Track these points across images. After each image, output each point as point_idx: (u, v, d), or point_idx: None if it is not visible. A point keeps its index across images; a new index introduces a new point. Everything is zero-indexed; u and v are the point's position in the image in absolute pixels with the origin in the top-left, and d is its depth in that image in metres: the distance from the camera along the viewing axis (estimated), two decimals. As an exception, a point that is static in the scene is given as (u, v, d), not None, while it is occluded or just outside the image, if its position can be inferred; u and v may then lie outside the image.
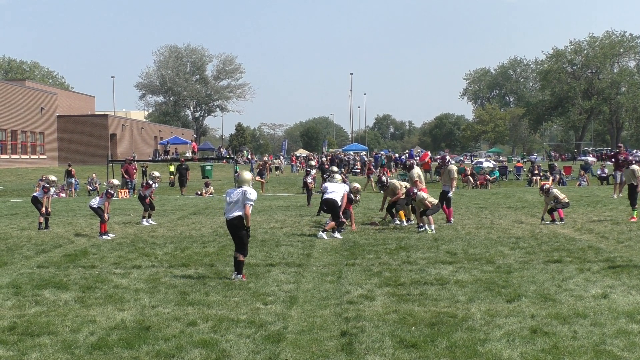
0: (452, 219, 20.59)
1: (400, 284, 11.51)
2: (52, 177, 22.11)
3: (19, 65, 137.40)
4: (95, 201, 19.53)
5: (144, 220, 22.27)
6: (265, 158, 61.01)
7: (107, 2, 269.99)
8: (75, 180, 45.80)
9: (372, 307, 9.88)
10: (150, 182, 22.87)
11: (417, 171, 20.45)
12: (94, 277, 12.69)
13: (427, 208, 18.71)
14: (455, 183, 20.69)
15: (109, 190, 19.41)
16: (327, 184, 19.56)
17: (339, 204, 18.29)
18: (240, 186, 12.42)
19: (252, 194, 12.29)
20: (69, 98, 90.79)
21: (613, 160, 33.15)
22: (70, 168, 45.98)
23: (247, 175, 12.71)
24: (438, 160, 26.01)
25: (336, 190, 18.68)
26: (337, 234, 17.90)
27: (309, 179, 29.75)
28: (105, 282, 12.17)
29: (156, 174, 23.43)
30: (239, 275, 12.15)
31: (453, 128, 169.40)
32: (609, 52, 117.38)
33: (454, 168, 20.88)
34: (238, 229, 12.25)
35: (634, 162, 21.71)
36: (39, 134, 73.67)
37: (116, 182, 20.49)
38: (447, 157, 22.29)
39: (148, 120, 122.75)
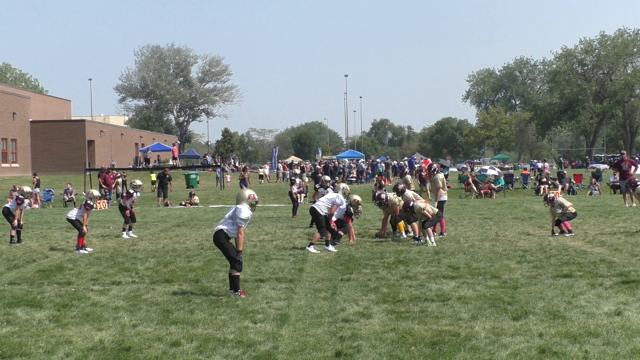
0: (444, 231, 20.65)
1: (399, 300, 11.52)
2: (27, 188, 22.08)
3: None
4: (73, 213, 19.51)
5: (124, 232, 22.25)
6: (239, 164, 60.98)
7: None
8: (47, 190, 45.79)
9: (369, 325, 9.89)
10: (132, 191, 22.84)
11: (410, 193, 20.42)
12: (70, 294, 12.66)
13: (427, 219, 18.76)
14: (441, 192, 20.74)
15: (88, 202, 19.39)
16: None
17: (321, 213, 18.34)
18: (239, 203, 12.47)
19: (243, 212, 12.28)
20: (43, 102, 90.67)
21: (617, 168, 33.21)
22: (36, 177, 46.04)
23: (246, 192, 12.74)
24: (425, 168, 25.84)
25: (323, 200, 18.82)
26: (331, 247, 17.93)
27: (295, 189, 29.72)
28: (82, 299, 12.15)
29: (138, 182, 23.37)
30: (236, 293, 12.15)
31: (455, 133, 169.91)
32: (621, 51, 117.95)
33: (439, 176, 21.02)
34: (219, 243, 12.33)
35: (639, 182, 21.78)
36: (10, 140, 73.56)
37: (96, 192, 20.47)
38: (434, 166, 22.37)
39: (128, 126, 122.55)
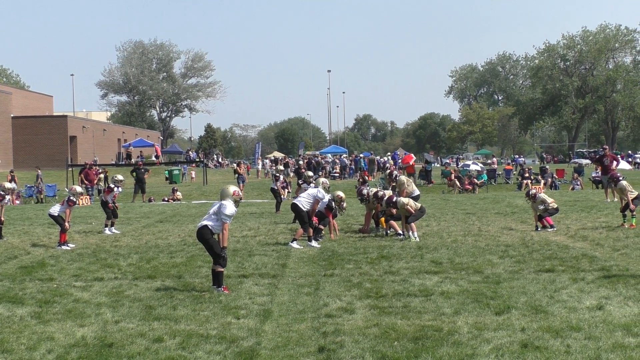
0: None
1: (382, 295, 11.53)
2: (8, 185, 21.97)
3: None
4: (55, 208, 19.42)
5: (107, 228, 22.16)
6: (222, 160, 60.79)
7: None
8: (29, 187, 45.63)
9: (352, 320, 9.89)
10: (113, 185, 22.74)
11: (403, 178, 20.79)
12: (52, 290, 12.62)
13: (410, 214, 18.80)
14: (408, 191, 21.04)
15: (71, 198, 19.31)
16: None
17: (303, 209, 18.34)
18: (223, 199, 12.46)
19: (228, 208, 12.28)
20: (25, 98, 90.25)
21: (599, 163, 33.30)
22: (13, 174, 46.00)
23: (230, 188, 12.73)
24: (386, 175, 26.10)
25: (304, 196, 18.85)
26: (313, 243, 17.93)
27: (277, 185, 29.61)
28: (64, 296, 12.10)
29: (119, 177, 23.27)
30: (219, 288, 12.15)
31: (438, 129, 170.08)
32: (603, 47, 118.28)
33: (402, 178, 21.42)
34: (203, 239, 12.35)
35: (621, 177, 21.82)
36: (-8, 136, 73.19)
37: (79, 189, 20.40)
38: (395, 172, 23.06)
39: (111, 122, 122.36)
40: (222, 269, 12.25)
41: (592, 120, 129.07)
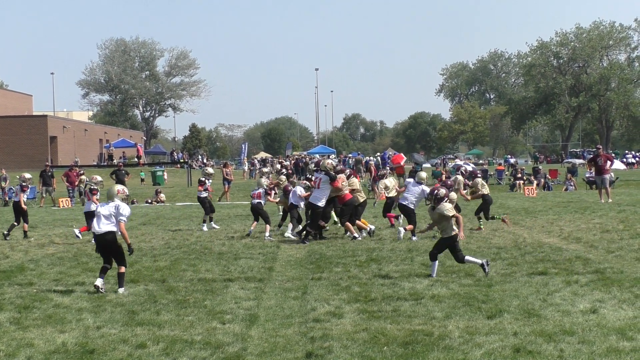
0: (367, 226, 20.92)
1: (371, 299, 11.54)
2: (27, 175, 22.49)
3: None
4: (89, 205, 20.20)
5: (204, 224, 23.29)
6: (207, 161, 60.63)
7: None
8: (8, 189, 45.49)
9: (340, 325, 9.90)
10: (204, 179, 23.95)
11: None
12: (32, 295, 12.58)
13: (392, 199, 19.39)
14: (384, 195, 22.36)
15: (93, 187, 20.29)
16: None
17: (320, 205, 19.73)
18: (111, 199, 12.89)
19: (125, 209, 12.85)
20: (4, 97, 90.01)
21: (593, 163, 33.37)
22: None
23: (115, 188, 13.26)
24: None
25: (316, 192, 19.95)
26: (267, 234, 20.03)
27: None
28: (44, 301, 12.06)
29: (98, 178, 23.38)
30: (122, 289, 12.61)
31: (428, 128, 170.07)
32: (597, 44, 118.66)
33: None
34: (110, 243, 12.84)
35: (479, 174, 22.91)
36: (-30, 137, 72.90)
37: (99, 177, 21.21)
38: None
39: (92, 122, 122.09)
40: (124, 270, 12.84)
41: (585, 119, 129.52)
